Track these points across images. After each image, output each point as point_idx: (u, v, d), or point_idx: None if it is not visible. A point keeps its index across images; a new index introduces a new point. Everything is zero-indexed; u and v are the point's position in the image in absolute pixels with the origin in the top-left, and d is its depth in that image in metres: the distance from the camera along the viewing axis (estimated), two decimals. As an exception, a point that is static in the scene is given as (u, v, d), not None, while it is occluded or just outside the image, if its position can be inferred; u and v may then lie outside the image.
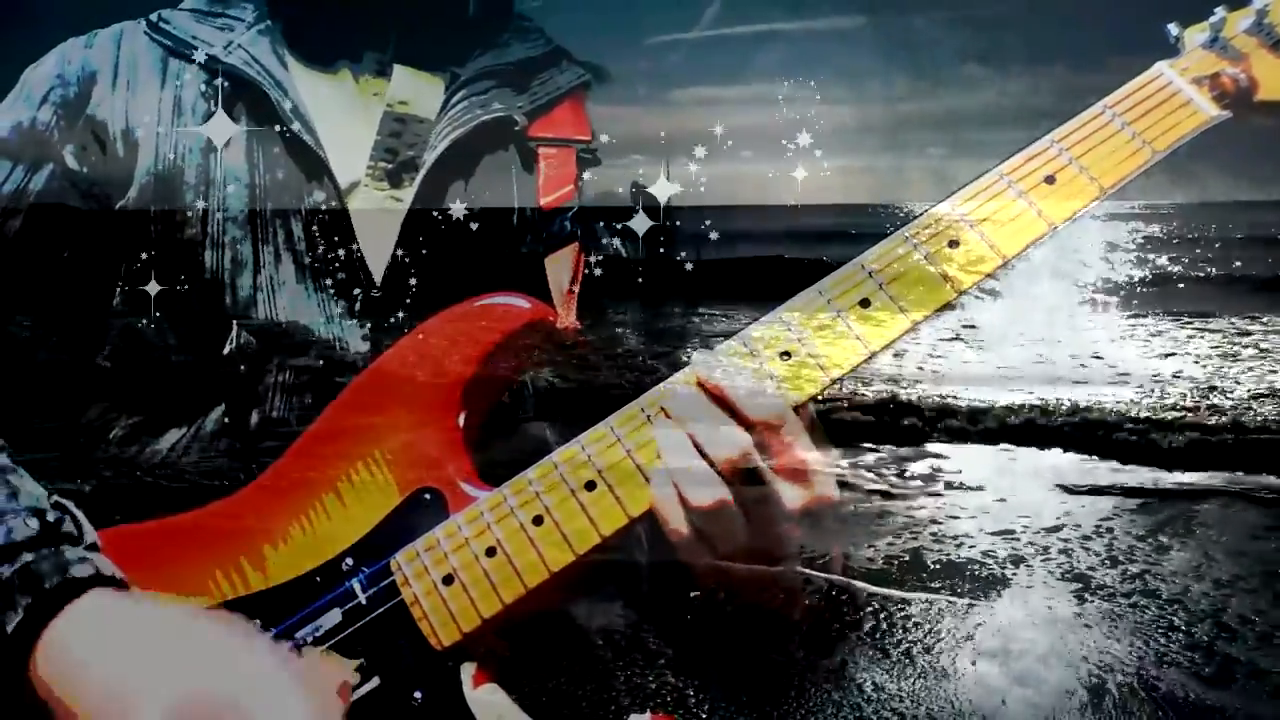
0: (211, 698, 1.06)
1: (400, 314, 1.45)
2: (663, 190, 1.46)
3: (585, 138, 1.49)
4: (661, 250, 1.47)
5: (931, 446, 1.52)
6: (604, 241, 1.48)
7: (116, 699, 1.07)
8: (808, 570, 1.31)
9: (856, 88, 1.47)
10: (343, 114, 1.50)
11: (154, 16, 1.55)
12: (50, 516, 1.16)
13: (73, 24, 1.55)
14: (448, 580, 1.22)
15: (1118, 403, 1.50)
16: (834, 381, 1.20)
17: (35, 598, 1.10)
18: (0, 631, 1.09)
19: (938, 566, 1.47)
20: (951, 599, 1.45)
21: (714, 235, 1.47)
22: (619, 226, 1.47)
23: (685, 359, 1.23)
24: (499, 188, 1.48)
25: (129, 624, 1.13)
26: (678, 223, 1.47)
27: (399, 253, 1.47)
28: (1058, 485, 1.51)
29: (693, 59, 1.49)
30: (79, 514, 1.19)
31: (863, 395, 1.49)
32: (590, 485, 1.21)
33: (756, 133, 1.46)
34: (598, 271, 1.48)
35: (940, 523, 1.49)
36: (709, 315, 1.47)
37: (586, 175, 1.49)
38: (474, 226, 1.47)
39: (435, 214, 1.47)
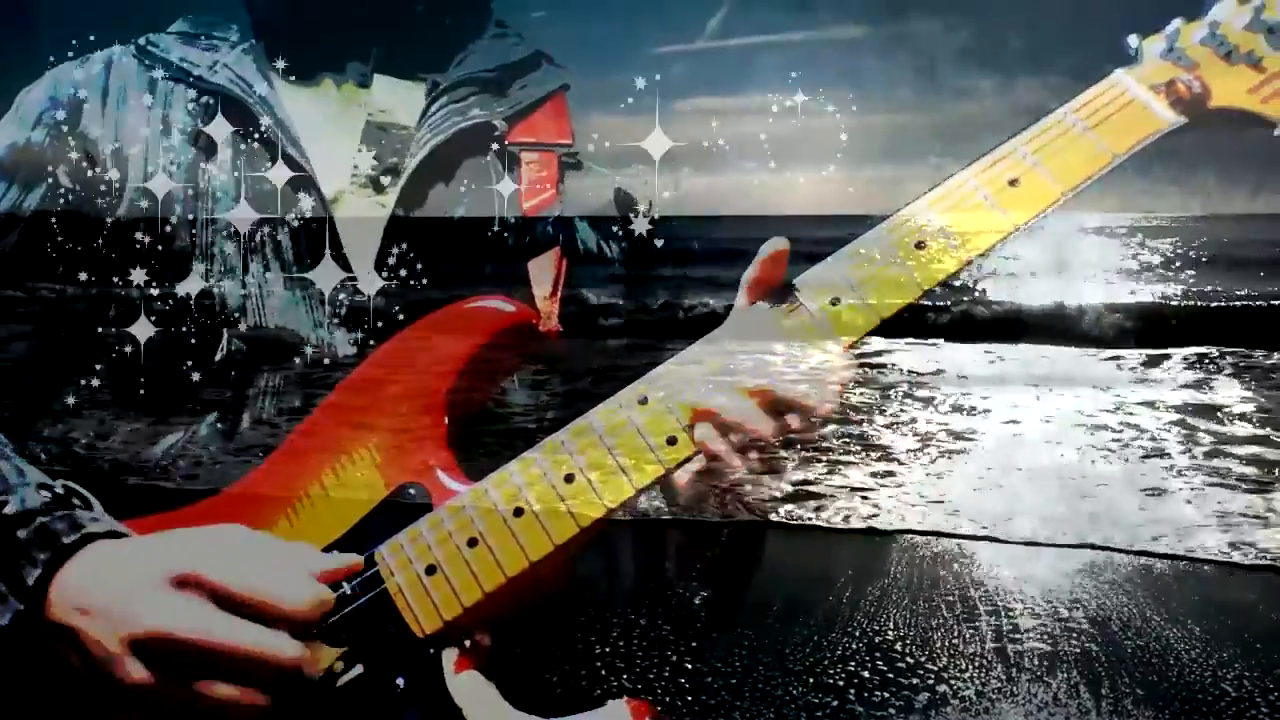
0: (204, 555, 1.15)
1: (385, 318, 1.48)
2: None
3: (566, 141, 1.51)
4: (649, 254, 1.49)
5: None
6: (589, 245, 1.51)
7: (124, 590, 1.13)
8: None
9: (858, 96, 1.47)
10: (326, 125, 1.54)
11: (142, 40, 1.60)
12: (59, 489, 1.22)
13: (66, 42, 1.60)
14: (430, 570, 1.24)
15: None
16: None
17: (54, 552, 1.15)
18: (21, 585, 1.14)
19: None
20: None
21: (697, 244, 1.49)
22: (613, 230, 1.50)
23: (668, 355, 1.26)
24: (481, 193, 1.50)
25: (131, 547, 1.19)
26: (668, 229, 1.50)
27: (383, 258, 1.50)
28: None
29: (693, 69, 1.49)
30: (85, 491, 1.23)
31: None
32: (569, 478, 1.23)
33: (755, 142, 1.47)
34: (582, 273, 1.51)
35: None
36: (693, 316, 1.48)
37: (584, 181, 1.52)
38: (456, 231, 1.50)
39: (417, 219, 1.50)
